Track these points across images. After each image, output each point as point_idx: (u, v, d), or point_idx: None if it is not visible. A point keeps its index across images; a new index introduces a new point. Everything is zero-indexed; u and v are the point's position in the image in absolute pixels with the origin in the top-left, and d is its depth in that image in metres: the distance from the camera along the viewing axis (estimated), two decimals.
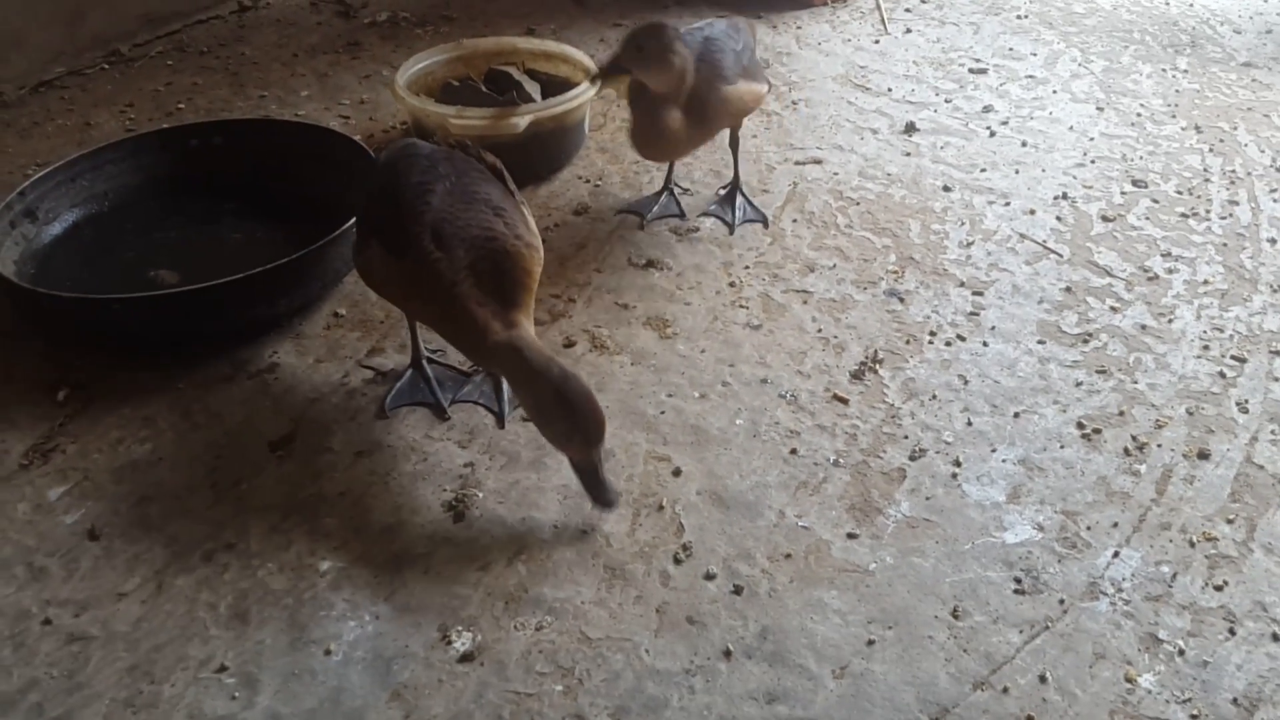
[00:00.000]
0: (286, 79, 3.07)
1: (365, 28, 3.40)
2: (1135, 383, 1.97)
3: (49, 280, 2.11)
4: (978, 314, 2.14)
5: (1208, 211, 2.47)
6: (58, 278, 2.12)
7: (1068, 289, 2.21)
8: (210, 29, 3.38)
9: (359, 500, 1.72)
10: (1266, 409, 1.91)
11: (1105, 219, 2.44)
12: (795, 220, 2.42)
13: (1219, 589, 1.58)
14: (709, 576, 1.59)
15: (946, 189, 2.54)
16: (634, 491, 1.73)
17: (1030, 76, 3.10)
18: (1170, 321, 2.12)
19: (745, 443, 1.83)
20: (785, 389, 1.94)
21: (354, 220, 1.98)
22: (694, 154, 2.46)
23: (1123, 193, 2.54)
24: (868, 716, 1.41)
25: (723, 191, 2.46)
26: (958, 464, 1.79)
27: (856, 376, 1.97)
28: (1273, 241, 2.37)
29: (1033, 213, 2.46)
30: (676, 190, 2.46)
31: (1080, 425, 1.87)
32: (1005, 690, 1.44)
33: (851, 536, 1.66)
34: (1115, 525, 1.68)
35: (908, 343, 2.06)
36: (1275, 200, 2.52)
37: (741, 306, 2.15)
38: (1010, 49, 3.27)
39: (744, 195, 2.43)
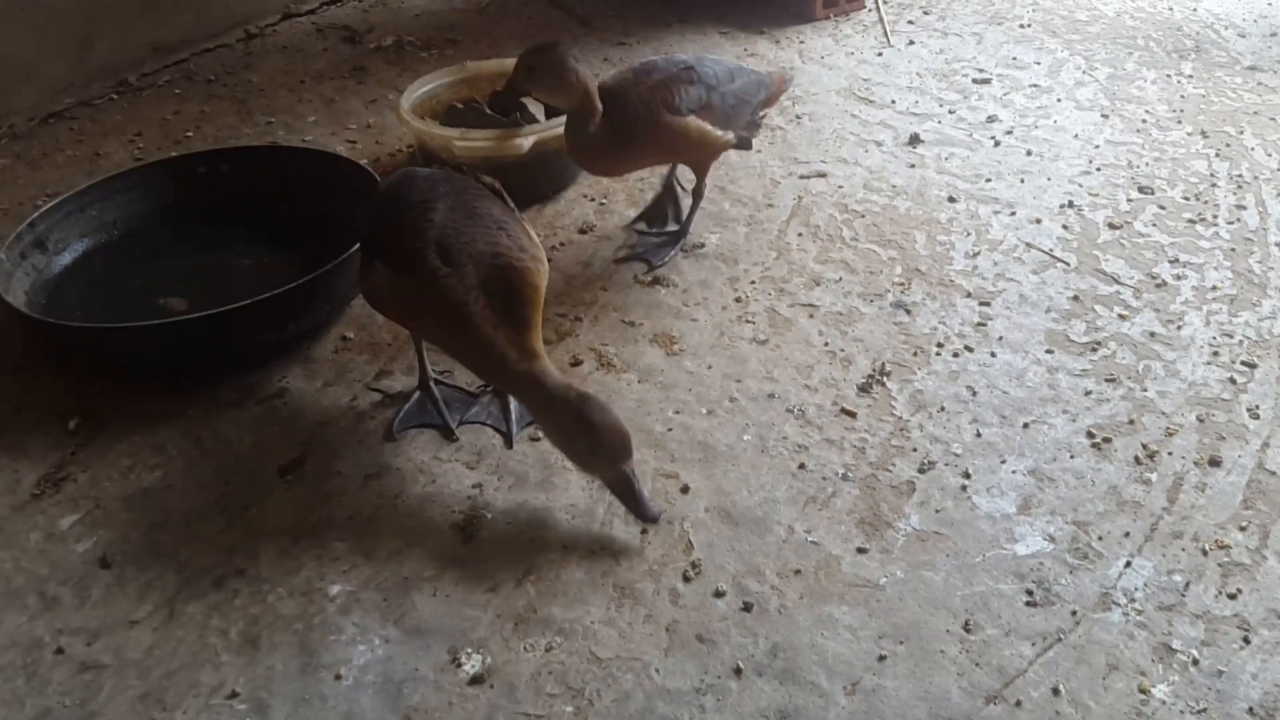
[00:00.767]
0: (293, 105, 3.10)
1: (370, 53, 3.43)
2: (1145, 390, 1.96)
3: (59, 310, 2.13)
4: (985, 324, 2.13)
5: (1215, 217, 2.46)
6: (68, 307, 2.15)
7: (1075, 297, 2.20)
8: (217, 57, 3.41)
9: (368, 523, 1.72)
10: (1278, 414, 1.90)
11: (1112, 226, 2.43)
12: (800, 234, 2.42)
13: (1232, 597, 1.57)
14: (718, 594, 1.59)
15: (952, 200, 2.54)
16: None
17: (1034, 85, 3.10)
18: (1179, 328, 2.11)
19: (753, 458, 1.83)
20: (793, 403, 1.94)
21: (358, 245, 1.99)
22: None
23: (1129, 200, 2.53)
24: None
25: (671, 229, 2.40)
26: (967, 476, 1.78)
27: (864, 389, 1.97)
28: None
29: (1039, 222, 2.45)
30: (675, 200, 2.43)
31: (1090, 434, 1.86)
32: (1018, 704, 1.43)
33: (861, 551, 1.65)
34: (1127, 535, 1.67)
35: (915, 355, 2.06)
36: None
37: (748, 321, 2.15)
38: (1014, 58, 3.27)
39: (680, 243, 2.35)
